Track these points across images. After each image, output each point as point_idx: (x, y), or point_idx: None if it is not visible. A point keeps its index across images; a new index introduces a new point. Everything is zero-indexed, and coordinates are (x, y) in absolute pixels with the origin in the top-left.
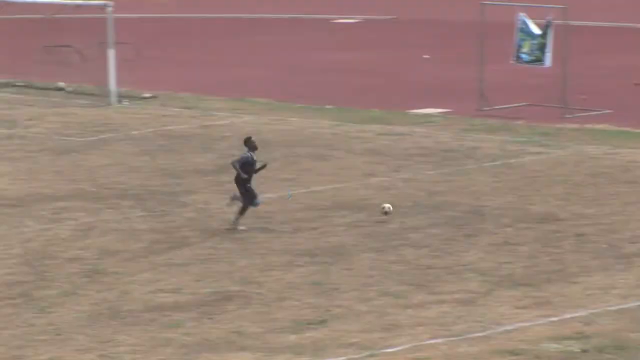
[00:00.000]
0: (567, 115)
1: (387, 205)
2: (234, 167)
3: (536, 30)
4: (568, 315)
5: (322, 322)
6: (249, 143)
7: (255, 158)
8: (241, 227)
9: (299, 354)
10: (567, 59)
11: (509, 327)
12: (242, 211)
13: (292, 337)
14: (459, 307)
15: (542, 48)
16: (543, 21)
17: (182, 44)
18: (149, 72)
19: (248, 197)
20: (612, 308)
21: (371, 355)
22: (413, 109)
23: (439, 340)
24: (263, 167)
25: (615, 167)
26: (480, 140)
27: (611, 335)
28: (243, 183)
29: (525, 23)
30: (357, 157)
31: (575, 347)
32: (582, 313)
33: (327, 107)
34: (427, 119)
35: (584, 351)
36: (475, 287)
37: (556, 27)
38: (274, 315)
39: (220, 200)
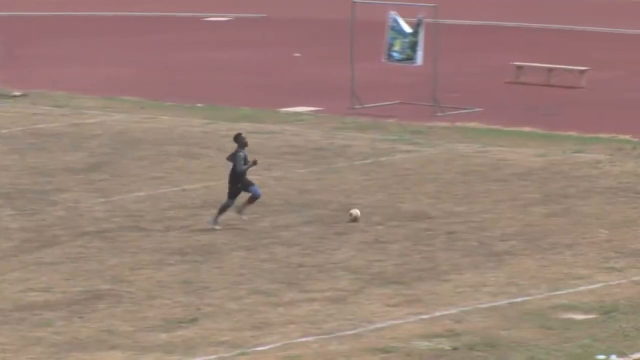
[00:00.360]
0: (438, 114)
1: (354, 211)
2: (240, 165)
3: (407, 29)
4: (439, 313)
5: (193, 320)
6: (239, 139)
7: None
8: (217, 227)
9: (169, 352)
10: (438, 58)
11: (380, 325)
12: (222, 210)
13: (163, 336)
14: (329, 305)
15: (413, 46)
16: (414, 20)
17: (54, 43)
18: (20, 71)
19: (233, 196)
20: (483, 306)
21: (242, 354)
22: (284, 107)
23: (310, 339)
24: (253, 163)
25: (485, 165)
26: (351, 138)
27: (481, 333)
28: (237, 180)
29: (396, 21)
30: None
31: (445, 344)
32: (452, 311)
33: (199, 105)
34: (298, 117)
35: (455, 349)
36: (346, 285)
37: (427, 25)
38: (145, 314)
39: (91, 199)
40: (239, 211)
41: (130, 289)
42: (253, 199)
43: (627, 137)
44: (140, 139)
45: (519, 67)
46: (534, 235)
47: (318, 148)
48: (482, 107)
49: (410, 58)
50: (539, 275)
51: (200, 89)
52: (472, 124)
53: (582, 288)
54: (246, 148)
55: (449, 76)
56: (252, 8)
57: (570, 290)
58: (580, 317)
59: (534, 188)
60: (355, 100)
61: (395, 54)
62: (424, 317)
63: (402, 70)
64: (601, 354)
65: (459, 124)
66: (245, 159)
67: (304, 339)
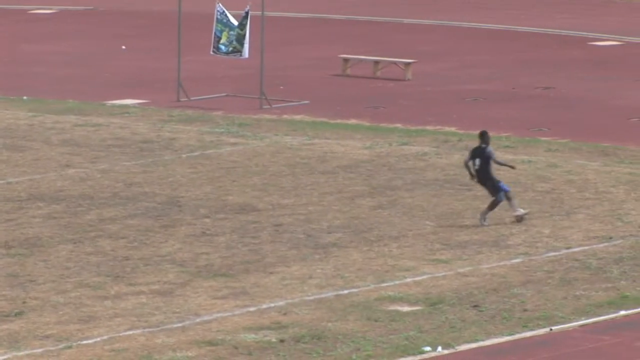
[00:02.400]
0: (265, 106)
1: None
2: (498, 163)
3: (234, 21)
4: (265, 306)
5: (19, 314)
6: (486, 137)
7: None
8: (485, 223)
9: None
10: (264, 50)
11: (206, 318)
12: (493, 206)
13: None
14: (156, 298)
15: (240, 39)
16: (242, 12)
17: None
18: None
19: (496, 190)
20: (310, 298)
21: (68, 347)
22: (110, 100)
23: (137, 332)
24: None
25: (312, 157)
26: (178, 131)
27: (308, 325)
28: (488, 176)
29: (224, 14)
30: (54, 148)
31: (272, 337)
32: (279, 303)
33: (24, 98)
34: (124, 110)
35: (281, 341)
36: (173, 278)
37: (254, 18)
38: None
39: None
40: (483, 216)
41: None
42: (495, 204)
43: (453, 129)
44: None
45: (346, 60)
46: (361, 227)
47: (145, 141)
48: (309, 99)
49: (238, 51)
50: (365, 267)
51: (26, 81)
52: (299, 117)
53: (408, 280)
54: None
55: (276, 69)
56: (79, 0)
57: (397, 282)
58: (406, 308)
59: (361, 180)
60: (183, 93)
61: (222, 47)
62: (251, 309)
63: (230, 63)
64: (427, 345)
65: (285, 116)
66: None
67: (130, 332)
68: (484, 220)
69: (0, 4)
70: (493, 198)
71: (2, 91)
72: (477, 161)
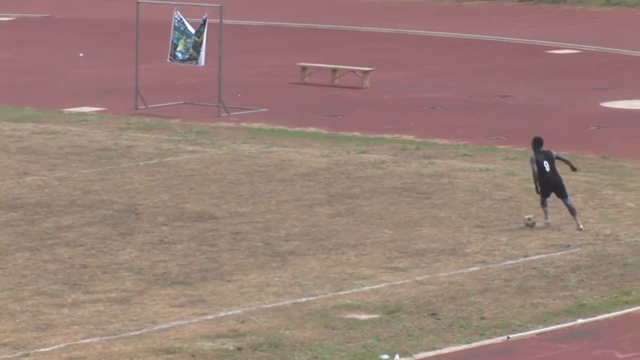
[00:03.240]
0: (223, 114)
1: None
2: (562, 160)
3: (191, 29)
4: (223, 314)
5: None
6: (541, 142)
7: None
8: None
9: None
10: (222, 58)
11: (164, 326)
12: (574, 210)
13: None
14: (114, 306)
15: (197, 47)
16: (199, 20)
17: None
18: None
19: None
20: (267, 306)
21: (25, 355)
22: (68, 107)
23: (94, 340)
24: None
25: (270, 165)
26: (136, 139)
27: (266, 333)
28: (559, 176)
29: (181, 21)
30: (11, 155)
31: (230, 345)
32: (237, 311)
33: None
34: (81, 117)
35: (239, 349)
36: (131, 286)
37: (212, 25)
38: None
39: None
40: (578, 225)
41: None
42: (573, 208)
43: (411, 137)
44: None
45: (304, 68)
46: (319, 235)
47: (102, 148)
48: (266, 107)
49: (194, 58)
50: (323, 275)
51: None
52: (256, 125)
53: (366, 288)
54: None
55: (234, 77)
56: (36, 8)
57: (355, 290)
58: (364, 317)
59: (319, 188)
60: (140, 101)
61: (179, 54)
62: (208, 317)
63: (188, 71)
64: (385, 353)
65: (243, 124)
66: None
67: (87, 340)
68: (580, 226)
69: None
70: (567, 205)
71: None
72: (546, 164)
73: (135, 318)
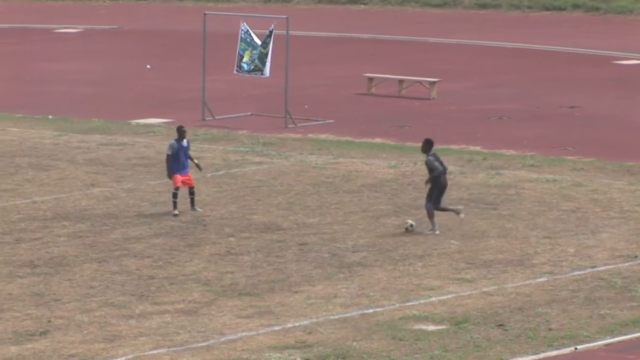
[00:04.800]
0: (290, 125)
1: (409, 221)
2: None
3: (257, 40)
4: (290, 325)
5: (44, 333)
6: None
7: None
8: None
9: None
10: (289, 69)
11: (231, 337)
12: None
13: (13, 349)
14: (181, 317)
15: (262, 58)
16: (266, 31)
17: None
18: None
19: None
20: (334, 317)
21: None
22: (135, 119)
23: (161, 351)
24: None
25: (336, 176)
26: (203, 150)
27: (333, 345)
28: None
29: (248, 33)
30: (79, 167)
31: (297, 356)
32: (304, 322)
33: (49, 117)
34: (148, 129)
35: None
36: (198, 297)
37: (278, 37)
38: None
39: None
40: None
41: None
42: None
43: (478, 148)
44: None
45: (370, 79)
46: (385, 246)
47: None
48: (333, 118)
49: (259, 69)
50: (390, 286)
51: (51, 100)
52: (323, 136)
53: (433, 299)
54: None
55: (301, 88)
56: (104, 20)
57: (422, 301)
58: (431, 328)
59: (385, 199)
60: (207, 112)
61: (244, 65)
62: (275, 328)
63: (254, 82)
64: None
65: (310, 135)
66: None
67: (155, 352)
68: (437, 231)
69: (26, 23)
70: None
71: (28, 110)
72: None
73: (202, 329)
